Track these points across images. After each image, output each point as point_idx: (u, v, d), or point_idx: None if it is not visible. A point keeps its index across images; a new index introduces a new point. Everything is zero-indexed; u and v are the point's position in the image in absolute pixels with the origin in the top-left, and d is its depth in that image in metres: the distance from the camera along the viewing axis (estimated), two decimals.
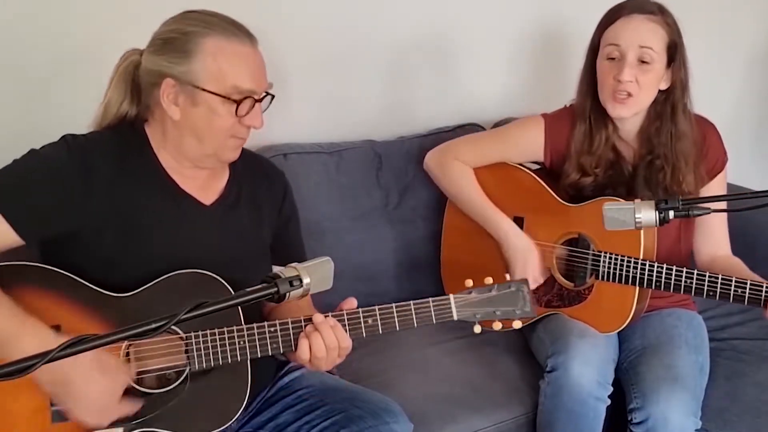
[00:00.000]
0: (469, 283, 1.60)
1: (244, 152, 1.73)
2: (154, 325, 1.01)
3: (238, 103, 1.50)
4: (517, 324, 1.62)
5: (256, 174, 1.74)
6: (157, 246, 1.54)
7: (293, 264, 1.25)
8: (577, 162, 2.01)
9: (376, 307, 1.54)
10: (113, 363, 1.43)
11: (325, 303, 1.77)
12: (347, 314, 1.53)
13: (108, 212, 1.51)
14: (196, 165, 1.59)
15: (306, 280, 1.23)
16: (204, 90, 1.49)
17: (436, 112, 2.55)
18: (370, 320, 1.54)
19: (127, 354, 1.47)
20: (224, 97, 1.50)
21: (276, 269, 1.26)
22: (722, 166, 2.04)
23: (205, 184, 1.64)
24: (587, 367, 1.85)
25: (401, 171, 2.36)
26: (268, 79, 1.58)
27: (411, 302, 1.56)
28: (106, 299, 1.48)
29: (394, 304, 1.55)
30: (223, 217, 1.64)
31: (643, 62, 1.88)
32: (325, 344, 1.49)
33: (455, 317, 1.58)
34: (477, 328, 1.60)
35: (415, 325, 1.56)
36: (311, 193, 2.20)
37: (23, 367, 0.92)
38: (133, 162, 1.56)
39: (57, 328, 1.44)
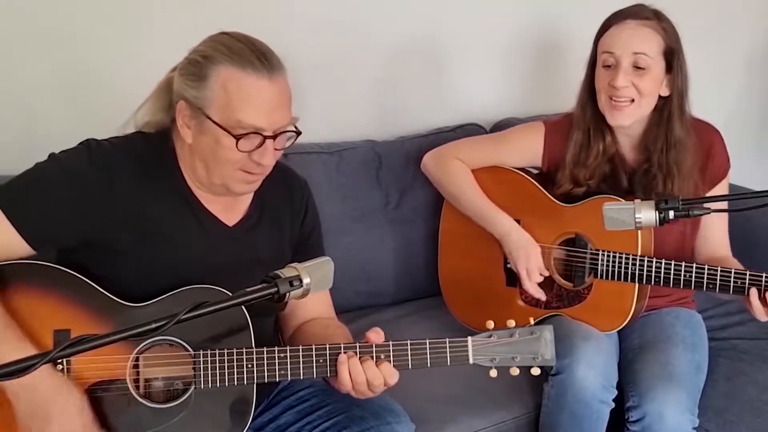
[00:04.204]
0: (491, 324, 1.51)
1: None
2: (154, 325, 1.01)
3: (238, 138, 1.43)
4: (536, 371, 1.53)
5: (278, 187, 1.68)
6: (174, 262, 1.52)
7: (293, 264, 1.25)
8: (571, 173, 2.01)
9: (390, 343, 1.48)
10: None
11: None
12: (360, 348, 1.47)
13: (128, 221, 1.48)
14: (210, 191, 1.55)
15: (306, 280, 1.23)
16: (209, 118, 1.44)
17: (436, 113, 2.55)
18: (382, 356, 1.48)
19: (136, 362, 1.47)
20: (226, 130, 1.43)
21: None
22: (725, 173, 2.04)
23: (229, 206, 1.60)
24: (592, 370, 1.85)
25: (401, 171, 2.35)
26: (292, 113, 1.49)
27: (427, 340, 1.50)
28: (119, 308, 1.47)
29: (408, 341, 1.49)
30: (245, 238, 1.61)
31: (638, 68, 1.88)
32: (366, 377, 1.45)
33: (471, 361, 1.49)
34: (493, 373, 1.51)
35: (429, 365, 1.49)
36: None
37: (23, 367, 0.92)
38: (157, 173, 1.52)
39: (66, 331, 1.43)
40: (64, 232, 1.47)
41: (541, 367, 1.52)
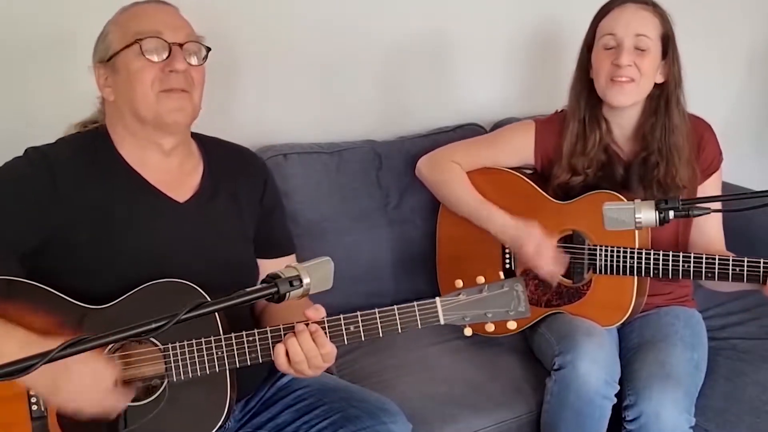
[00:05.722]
0: (459, 283, 1.52)
1: (222, 144, 1.70)
2: (154, 325, 1.01)
3: (141, 42, 1.48)
4: (512, 325, 1.52)
5: (234, 167, 1.70)
6: (131, 247, 1.51)
7: (293, 264, 1.25)
8: (569, 163, 2.01)
9: (359, 313, 1.47)
10: (100, 359, 1.40)
11: (325, 303, 1.77)
12: (328, 321, 1.46)
13: (79, 217, 1.48)
14: (152, 141, 1.55)
15: (306, 280, 1.23)
16: (116, 54, 1.50)
17: (436, 113, 2.55)
18: (351, 327, 1.47)
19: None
20: (129, 45, 1.49)
21: (276, 269, 1.25)
22: (717, 165, 2.06)
23: (177, 180, 1.60)
24: (595, 365, 1.85)
25: (401, 171, 2.35)
26: (195, 33, 1.56)
27: (395, 307, 1.47)
28: (85, 312, 1.45)
29: (377, 310, 1.48)
30: (199, 214, 1.60)
31: (639, 49, 1.91)
32: (302, 349, 1.43)
33: (442, 322, 1.48)
34: (467, 331, 1.51)
35: (399, 330, 1.48)
36: (311, 193, 2.20)
37: (23, 367, 0.92)
38: (99, 163, 1.55)
39: None
40: (19, 237, 1.47)
41: (516, 321, 1.51)
